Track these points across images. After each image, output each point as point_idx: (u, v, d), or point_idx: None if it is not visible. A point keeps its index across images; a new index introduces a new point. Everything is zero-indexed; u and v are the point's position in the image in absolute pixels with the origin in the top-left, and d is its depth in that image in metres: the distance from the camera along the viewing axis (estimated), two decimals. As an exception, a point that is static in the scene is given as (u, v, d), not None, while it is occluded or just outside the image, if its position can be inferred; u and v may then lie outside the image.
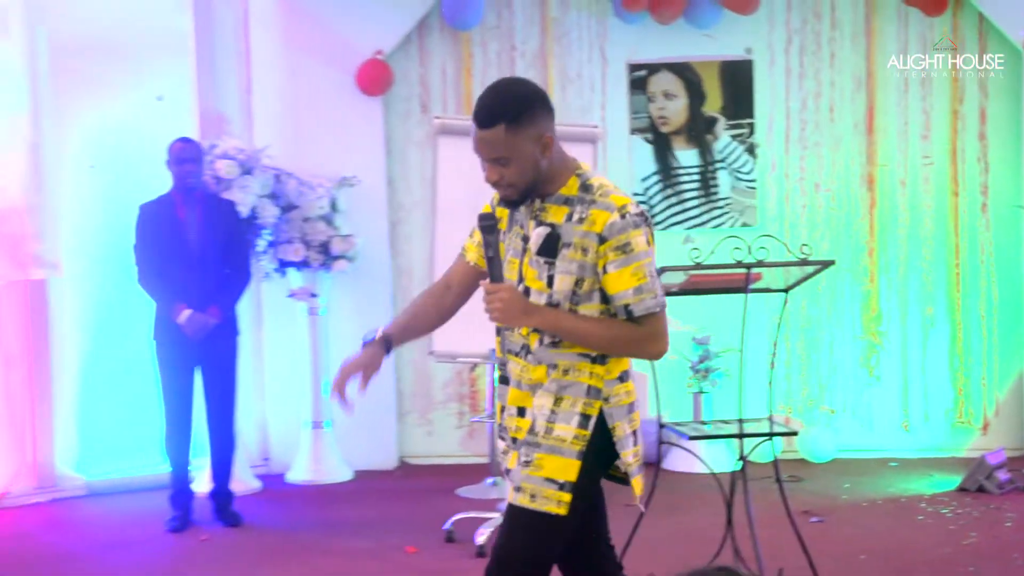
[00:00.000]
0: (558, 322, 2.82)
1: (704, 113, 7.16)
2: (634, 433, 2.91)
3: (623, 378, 2.89)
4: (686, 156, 7.18)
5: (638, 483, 2.93)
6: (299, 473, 6.75)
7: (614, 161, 7.07)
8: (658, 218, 7.13)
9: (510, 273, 2.91)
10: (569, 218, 2.81)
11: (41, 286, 6.37)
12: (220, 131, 6.66)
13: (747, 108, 7.13)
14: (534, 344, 2.86)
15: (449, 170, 5.63)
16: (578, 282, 2.79)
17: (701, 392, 6.76)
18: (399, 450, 7.15)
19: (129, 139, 6.54)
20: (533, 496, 2.80)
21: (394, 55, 6.96)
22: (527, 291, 2.86)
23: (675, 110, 7.17)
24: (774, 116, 7.13)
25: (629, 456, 2.88)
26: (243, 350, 6.06)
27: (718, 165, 7.17)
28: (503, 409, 2.99)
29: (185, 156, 5.72)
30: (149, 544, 5.56)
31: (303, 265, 6.58)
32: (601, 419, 2.83)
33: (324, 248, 6.55)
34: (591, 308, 2.81)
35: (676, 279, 4.23)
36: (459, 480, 6.58)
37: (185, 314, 5.59)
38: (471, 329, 5.53)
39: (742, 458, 4.27)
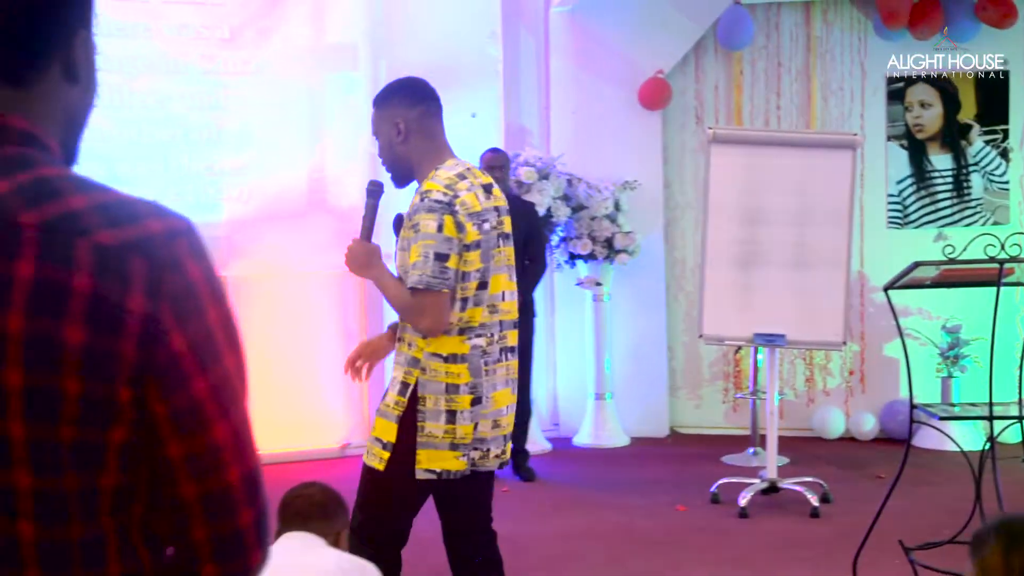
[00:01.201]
0: (381, 278, 2.88)
1: (959, 121, 6.81)
2: (452, 412, 2.78)
3: (449, 359, 2.80)
4: (940, 160, 6.85)
5: (426, 454, 2.80)
6: (584, 437, 6.86)
7: (871, 165, 6.83)
8: (911, 217, 6.85)
9: None
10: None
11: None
12: (522, 142, 6.86)
13: (1002, 115, 6.73)
14: None
15: (720, 175, 5.61)
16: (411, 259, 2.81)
17: (950, 377, 6.45)
18: (670, 420, 7.17)
19: (448, 150, 6.81)
20: (368, 452, 2.87)
21: (672, 73, 6.98)
22: None
23: (930, 118, 6.85)
24: (1029, 122, 6.69)
25: (438, 430, 2.78)
26: (538, 330, 6.21)
27: (971, 168, 6.80)
28: None
29: (494, 164, 5.92)
30: (460, 490, 5.81)
31: (590, 258, 6.69)
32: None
33: (608, 243, 6.64)
34: None
35: (929, 273, 4.07)
36: (724, 449, 6.54)
37: (491, 298, 5.80)
38: (736, 315, 5.53)
39: (991, 439, 4.07)
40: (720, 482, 5.49)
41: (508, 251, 2.94)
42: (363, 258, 2.91)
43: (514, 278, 2.97)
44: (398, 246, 2.91)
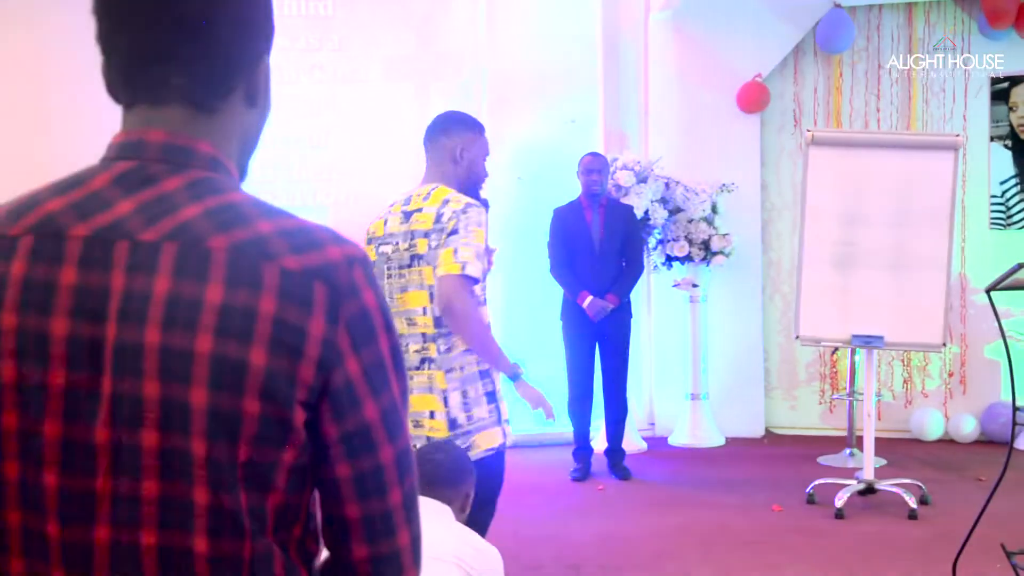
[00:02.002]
0: None
1: (1066, 121, 6.53)
2: None
3: None
4: (1046, 162, 6.59)
5: None
6: (679, 437, 6.80)
7: (973, 166, 6.61)
8: (1014, 217, 6.61)
9: None
10: None
11: (477, 273, 6.76)
12: (621, 146, 6.82)
13: (1111, 115, 6.43)
14: None
15: (818, 177, 5.48)
16: None
17: (1056, 381, 6.18)
18: (766, 421, 7.04)
19: (547, 155, 6.81)
20: None
21: (771, 77, 6.86)
22: None
23: (1036, 119, 6.59)
24: None
25: None
26: (635, 331, 6.16)
27: (1079, 170, 6.51)
28: None
29: (592, 168, 5.90)
30: (556, 490, 5.76)
31: (686, 260, 6.62)
32: None
33: (705, 245, 6.56)
34: None
35: (1034, 274, 3.90)
36: (819, 449, 6.40)
37: (588, 299, 5.77)
38: (834, 316, 5.39)
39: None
40: (816, 483, 5.37)
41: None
42: None
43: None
44: None
